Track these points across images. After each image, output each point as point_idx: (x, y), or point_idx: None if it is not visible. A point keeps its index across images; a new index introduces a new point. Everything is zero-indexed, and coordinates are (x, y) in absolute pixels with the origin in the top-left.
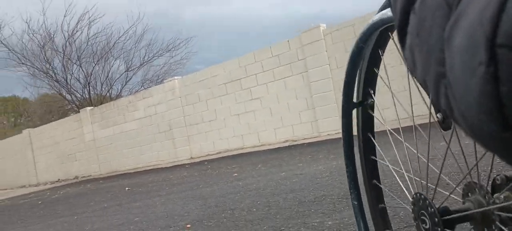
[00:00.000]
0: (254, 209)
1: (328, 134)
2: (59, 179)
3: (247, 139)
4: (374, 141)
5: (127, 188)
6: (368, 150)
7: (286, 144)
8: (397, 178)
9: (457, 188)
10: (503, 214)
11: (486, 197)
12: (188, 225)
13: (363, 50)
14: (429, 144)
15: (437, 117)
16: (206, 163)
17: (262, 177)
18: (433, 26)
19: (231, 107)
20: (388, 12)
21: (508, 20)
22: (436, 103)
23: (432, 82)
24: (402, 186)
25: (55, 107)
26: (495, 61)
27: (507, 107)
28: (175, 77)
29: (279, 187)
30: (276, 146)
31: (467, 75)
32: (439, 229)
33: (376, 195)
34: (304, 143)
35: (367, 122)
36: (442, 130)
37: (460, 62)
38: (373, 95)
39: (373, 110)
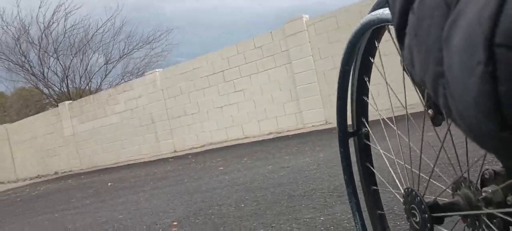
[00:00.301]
0: (243, 205)
1: (312, 126)
2: (38, 175)
3: (230, 131)
4: (373, 169)
5: (109, 183)
6: (368, 178)
7: (271, 136)
8: (392, 191)
9: (447, 184)
10: (489, 204)
11: (472, 189)
12: (175, 222)
13: (349, 73)
14: (409, 140)
15: (428, 113)
16: (190, 156)
17: (248, 170)
18: (431, 26)
19: (214, 100)
20: (362, 24)
21: (507, 20)
22: (431, 101)
23: (430, 82)
24: (395, 193)
25: (32, 102)
26: (493, 60)
27: (505, 106)
28: (156, 70)
29: (266, 180)
30: (260, 138)
31: (465, 75)
32: (426, 215)
33: (382, 225)
34: (288, 135)
35: (364, 151)
36: (434, 126)
37: (458, 62)
38: (367, 124)
39: (368, 139)
